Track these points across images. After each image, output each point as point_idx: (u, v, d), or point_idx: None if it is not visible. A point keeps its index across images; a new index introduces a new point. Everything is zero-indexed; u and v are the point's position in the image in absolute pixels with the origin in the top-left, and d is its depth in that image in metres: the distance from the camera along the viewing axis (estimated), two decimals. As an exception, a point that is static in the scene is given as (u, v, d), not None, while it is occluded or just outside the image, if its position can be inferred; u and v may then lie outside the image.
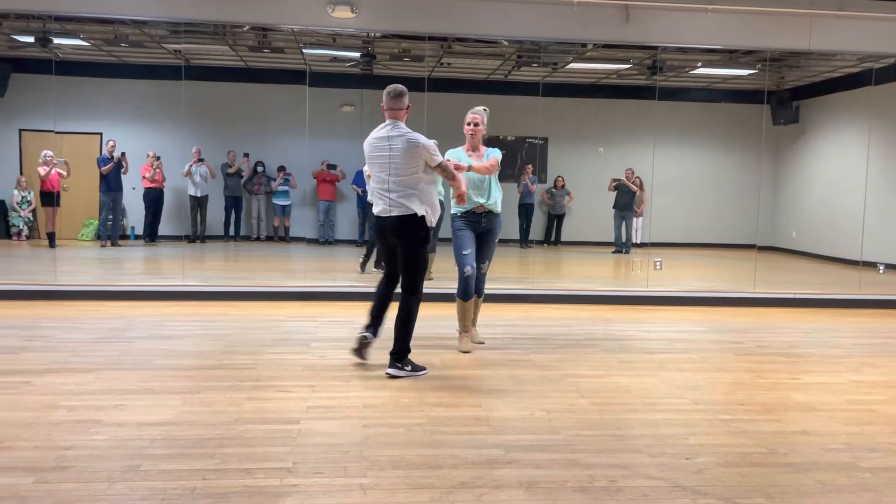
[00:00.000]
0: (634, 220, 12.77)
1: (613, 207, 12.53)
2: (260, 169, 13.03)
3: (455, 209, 5.29)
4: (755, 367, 5.03)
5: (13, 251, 11.13)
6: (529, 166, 13.30)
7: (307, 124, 9.47)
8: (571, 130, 13.66)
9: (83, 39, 10.75)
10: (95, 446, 3.16)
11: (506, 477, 2.96)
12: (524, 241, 13.16)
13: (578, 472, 3.03)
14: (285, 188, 13.02)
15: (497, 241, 5.46)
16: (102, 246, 11.33)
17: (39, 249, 11.05)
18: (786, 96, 12.88)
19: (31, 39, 10.46)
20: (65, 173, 10.99)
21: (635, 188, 12.40)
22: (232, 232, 12.75)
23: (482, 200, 5.22)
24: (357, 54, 11.56)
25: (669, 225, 13.07)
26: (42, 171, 10.80)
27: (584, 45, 10.01)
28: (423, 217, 4.46)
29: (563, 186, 13.57)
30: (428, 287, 5.02)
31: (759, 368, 5.01)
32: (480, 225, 5.27)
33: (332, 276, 9.21)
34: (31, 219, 12.04)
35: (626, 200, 12.43)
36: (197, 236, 12.32)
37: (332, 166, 12.80)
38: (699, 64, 11.44)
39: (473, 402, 3.97)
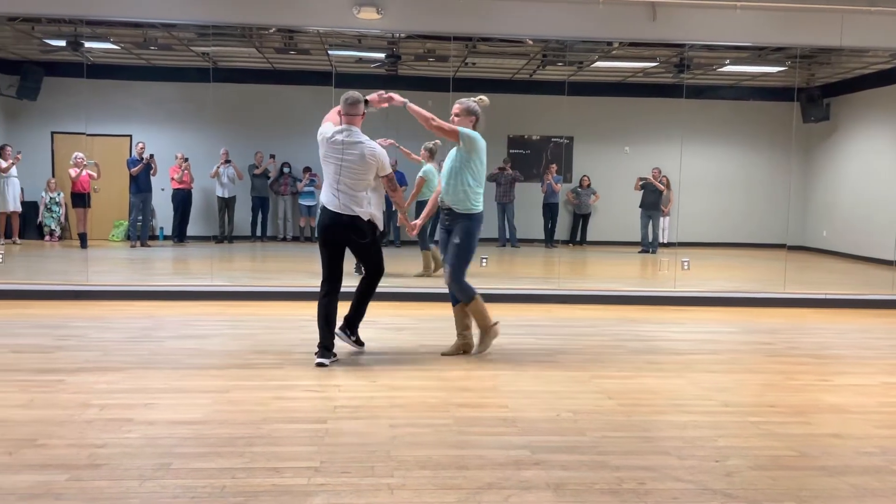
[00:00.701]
0: (661, 219, 12.65)
1: (640, 207, 12.42)
2: (286, 170, 13.13)
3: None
4: (785, 369, 4.96)
5: (46, 252, 11.34)
6: (554, 165, 13.25)
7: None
8: (597, 129, 13.57)
9: (113, 43, 10.92)
10: (127, 444, 3.21)
11: (533, 478, 2.95)
12: (549, 241, 13.10)
13: (606, 474, 3.01)
14: (311, 188, 13.10)
15: (460, 244, 4.90)
16: (132, 246, 11.50)
17: (71, 250, 11.25)
18: (816, 93, 12.67)
19: (62, 43, 10.64)
20: (95, 175, 11.17)
21: (662, 187, 12.28)
22: (259, 232, 12.85)
23: (444, 196, 4.98)
24: (382, 55, 11.60)
25: (697, 224, 12.92)
26: (73, 172, 11.00)
27: (609, 44, 9.95)
28: (369, 220, 4.79)
29: (588, 186, 13.49)
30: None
31: (790, 370, 4.93)
32: (445, 223, 5.04)
33: (358, 276, 9.24)
34: (63, 219, 12.26)
35: (653, 200, 12.32)
36: (224, 237, 12.45)
37: None
38: (727, 61, 11.30)
39: (499, 403, 3.97)
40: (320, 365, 4.64)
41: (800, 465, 3.20)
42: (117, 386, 4.14)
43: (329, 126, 4.86)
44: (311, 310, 6.73)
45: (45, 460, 3.01)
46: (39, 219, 12.15)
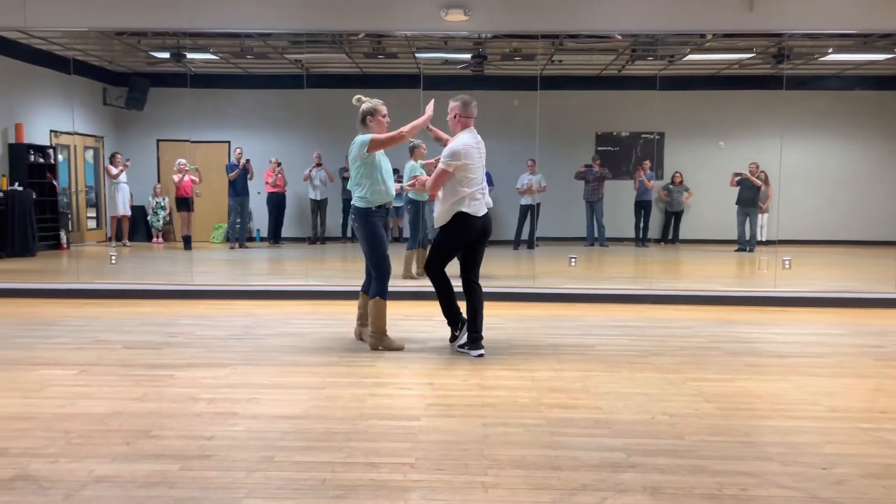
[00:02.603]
0: (759, 216, 12.17)
1: (736, 203, 11.99)
2: (375, 172, 13.38)
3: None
4: (899, 374, 4.68)
5: (154, 253, 12.00)
6: (647, 162, 12.96)
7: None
8: (690, 124, 13.20)
9: (213, 53, 11.45)
10: (233, 437, 3.36)
11: (629, 481, 2.91)
12: (641, 239, 12.83)
13: (706, 479, 2.93)
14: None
15: (363, 238, 5.11)
16: (231, 248, 12.02)
17: (176, 252, 11.86)
18: (929, 80, 11.89)
19: (167, 55, 11.25)
20: (197, 180, 11.75)
21: (759, 183, 11.80)
22: (349, 233, 13.17)
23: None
24: (468, 56, 11.66)
25: (799, 221, 12.37)
26: (176, 178, 11.60)
27: (702, 36, 9.65)
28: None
29: (681, 183, 13.13)
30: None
31: (904, 375, 4.65)
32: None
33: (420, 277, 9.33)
34: (169, 222, 12.95)
35: (750, 196, 11.86)
36: (317, 238, 12.82)
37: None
38: (830, 50, 10.75)
39: (592, 405, 3.93)
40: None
41: (917, 475, 3.02)
42: (223, 381, 4.34)
43: (466, 136, 4.95)
44: (401, 308, 6.88)
45: (159, 451, 3.20)
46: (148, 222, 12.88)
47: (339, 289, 7.71)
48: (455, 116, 5.00)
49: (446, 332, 5.90)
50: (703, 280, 9.17)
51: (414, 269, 8.55)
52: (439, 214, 4.97)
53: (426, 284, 7.86)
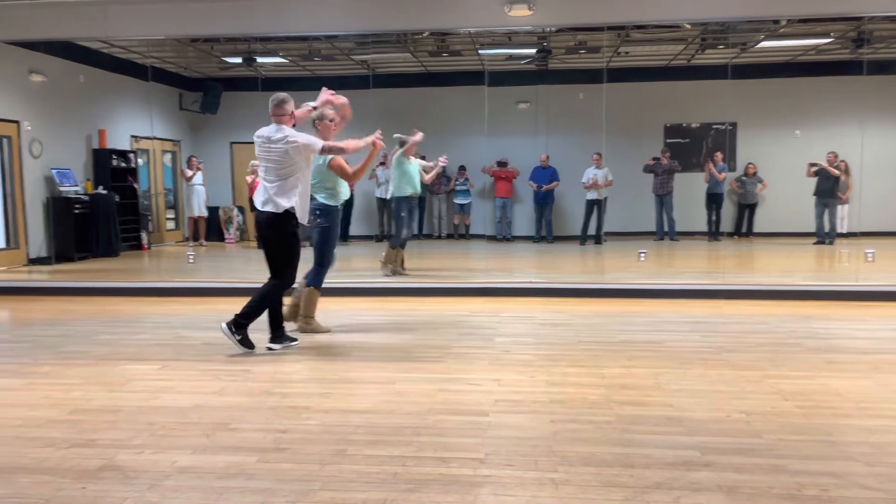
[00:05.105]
0: (838, 207, 11.67)
1: (814, 195, 11.52)
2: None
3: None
4: None
5: (228, 252, 12.39)
6: (718, 154, 12.60)
7: (486, 123, 9.65)
8: (763, 113, 12.75)
9: (282, 57, 11.72)
10: (307, 430, 3.45)
11: (704, 480, 2.85)
12: (713, 233, 12.48)
13: (784, 479, 2.85)
14: (464, 187, 13.35)
15: (318, 237, 5.59)
16: (302, 246, 12.27)
17: (249, 251, 12.20)
18: None
19: (238, 60, 11.59)
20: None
21: (838, 173, 11.31)
22: (415, 230, 13.29)
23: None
24: (532, 50, 11.59)
25: (882, 212, 11.79)
26: (249, 179, 11.93)
27: (776, 22, 9.32)
28: (286, 211, 4.91)
29: (754, 174, 12.72)
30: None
31: None
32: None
33: (511, 272, 9.33)
34: (242, 222, 13.34)
35: (828, 187, 11.38)
36: (384, 235, 12.98)
37: (502, 164, 12.95)
38: (915, 31, 10.22)
39: (664, 402, 3.85)
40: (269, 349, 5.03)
41: None
42: (295, 376, 4.46)
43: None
44: (468, 305, 6.91)
45: (237, 443, 3.31)
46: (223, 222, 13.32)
47: (406, 285, 7.80)
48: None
49: (514, 328, 5.91)
50: (779, 274, 8.87)
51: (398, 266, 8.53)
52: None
53: (495, 280, 7.90)
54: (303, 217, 5.09)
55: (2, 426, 3.56)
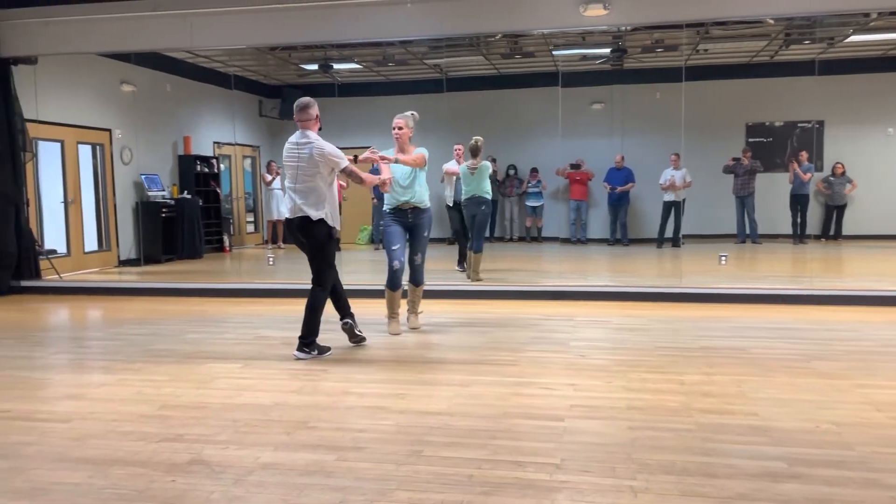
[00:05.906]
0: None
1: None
2: (512, 172, 13.42)
3: (385, 206, 5.80)
4: None
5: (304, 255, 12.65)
6: (804, 153, 12.10)
7: (560, 124, 9.58)
8: (852, 111, 12.19)
9: (357, 63, 11.94)
10: (383, 430, 3.50)
11: (791, 492, 2.74)
12: (799, 236, 12.00)
13: (879, 493, 2.71)
14: (537, 189, 13.27)
15: (427, 234, 5.83)
16: (376, 249, 12.47)
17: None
18: None
19: (315, 67, 11.87)
20: (345, 185, 12.26)
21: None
22: (486, 233, 13.28)
23: (407, 198, 5.69)
24: (607, 50, 11.42)
25: None
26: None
27: (866, 15, 8.89)
28: (320, 220, 4.96)
29: (843, 174, 12.16)
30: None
31: None
32: (408, 220, 5.73)
33: (585, 274, 9.20)
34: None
35: (924, 187, 10.78)
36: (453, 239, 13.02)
37: (575, 166, 12.80)
38: None
39: (748, 411, 3.73)
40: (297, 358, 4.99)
41: None
42: (371, 377, 4.53)
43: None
44: (541, 308, 6.86)
45: (315, 441, 3.38)
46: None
47: (480, 288, 7.80)
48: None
49: (589, 332, 5.84)
50: (870, 279, 8.44)
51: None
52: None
53: (569, 283, 7.81)
54: (335, 224, 5.11)
55: (98, 420, 3.75)
